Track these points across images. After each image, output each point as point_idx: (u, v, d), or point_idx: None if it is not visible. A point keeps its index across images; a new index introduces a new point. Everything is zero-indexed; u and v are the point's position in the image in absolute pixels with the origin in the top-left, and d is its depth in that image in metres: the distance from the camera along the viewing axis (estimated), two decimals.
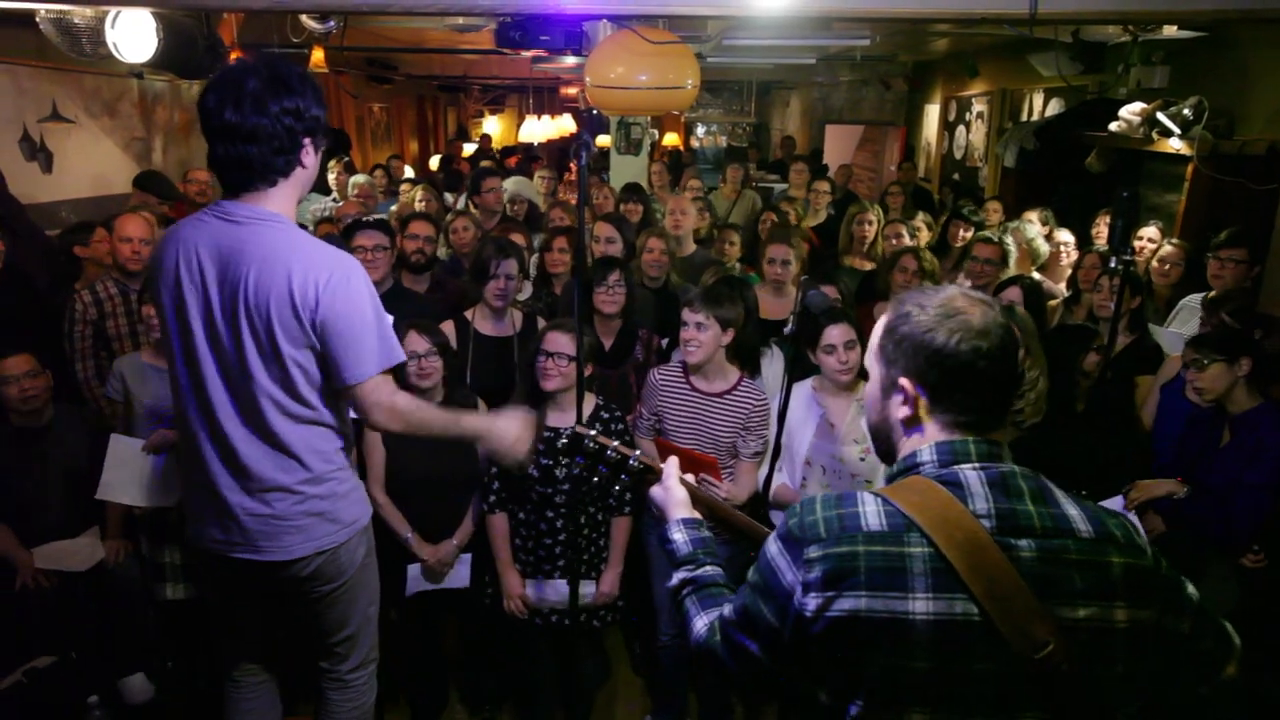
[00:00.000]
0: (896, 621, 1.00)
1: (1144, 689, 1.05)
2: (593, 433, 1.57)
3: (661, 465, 1.53)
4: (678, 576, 1.33)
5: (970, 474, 1.04)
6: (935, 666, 1.00)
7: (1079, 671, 0.99)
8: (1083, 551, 1.01)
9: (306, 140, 1.69)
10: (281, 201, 1.71)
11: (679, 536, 1.37)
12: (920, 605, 0.99)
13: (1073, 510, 1.04)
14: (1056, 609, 0.99)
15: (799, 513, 1.08)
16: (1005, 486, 1.04)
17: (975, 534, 1.00)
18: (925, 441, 1.08)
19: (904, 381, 1.08)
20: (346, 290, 1.66)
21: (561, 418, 2.53)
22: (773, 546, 1.10)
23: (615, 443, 1.56)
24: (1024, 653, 0.98)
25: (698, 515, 1.43)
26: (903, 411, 1.09)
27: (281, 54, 5.06)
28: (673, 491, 1.44)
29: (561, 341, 2.45)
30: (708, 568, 1.32)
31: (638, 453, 1.57)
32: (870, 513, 1.04)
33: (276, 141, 1.63)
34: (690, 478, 1.48)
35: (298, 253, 1.66)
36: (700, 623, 1.23)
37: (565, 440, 2.40)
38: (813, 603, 1.03)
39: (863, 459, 2.53)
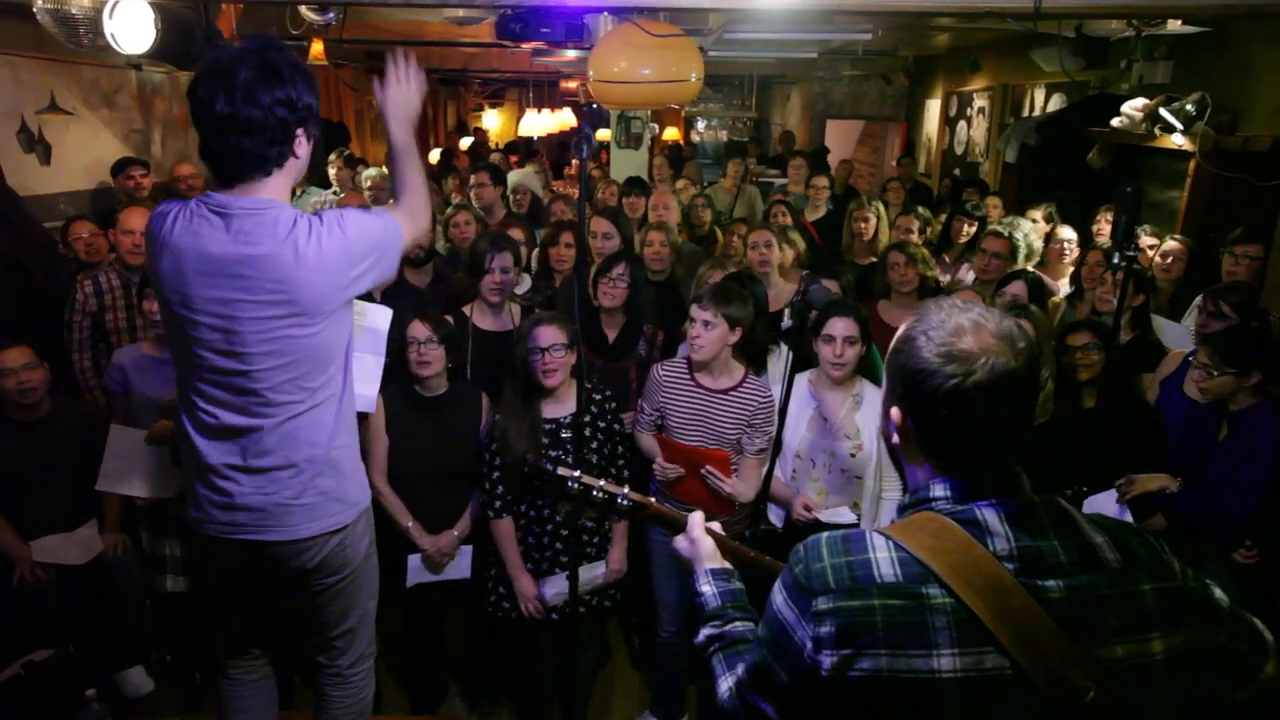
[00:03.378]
0: (922, 681, 0.92)
1: (1184, 706, 1.00)
2: (576, 474, 1.49)
3: (651, 500, 1.49)
4: (704, 633, 1.25)
5: (988, 511, 0.96)
6: None
7: (1123, 715, 0.93)
8: (1114, 585, 0.95)
9: (299, 130, 1.67)
10: (275, 190, 1.69)
11: (707, 589, 1.30)
12: (947, 662, 0.91)
13: (1098, 538, 0.97)
14: (1093, 651, 0.92)
15: (804, 558, 1.00)
16: (1026, 522, 0.96)
17: (998, 579, 0.92)
18: (929, 475, 1.01)
19: (894, 411, 1.03)
20: (341, 219, 1.70)
21: (558, 408, 2.52)
22: (779, 598, 1.02)
23: (601, 481, 1.49)
24: (1063, 703, 0.91)
25: (727, 565, 1.35)
26: (894, 437, 1.04)
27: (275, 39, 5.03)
28: (700, 543, 1.37)
29: (553, 334, 2.44)
30: (736, 624, 1.24)
31: (626, 490, 1.50)
32: (882, 560, 0.96)
33: (269, 133, 1.62)
34: (717, 526, 1.42)
35: (297, 224, 1.65)
36: (724, 685, 1.16)
37: (567, 426, 2.45)
38: (827, 660, 0.94)
39: (854, 455, 2.52)
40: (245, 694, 2.05)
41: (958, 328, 0.96)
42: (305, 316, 1.67)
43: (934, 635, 0.92)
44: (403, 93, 1.90)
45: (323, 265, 1.65)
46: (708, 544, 1.36)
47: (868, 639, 0.93)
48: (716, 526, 1.43)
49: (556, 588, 2.54)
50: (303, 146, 1.70)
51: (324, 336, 1.71)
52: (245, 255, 1.62)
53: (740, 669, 1.11)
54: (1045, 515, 0.97)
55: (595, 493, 1.48)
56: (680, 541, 1.41)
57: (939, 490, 1.00)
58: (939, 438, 0.99)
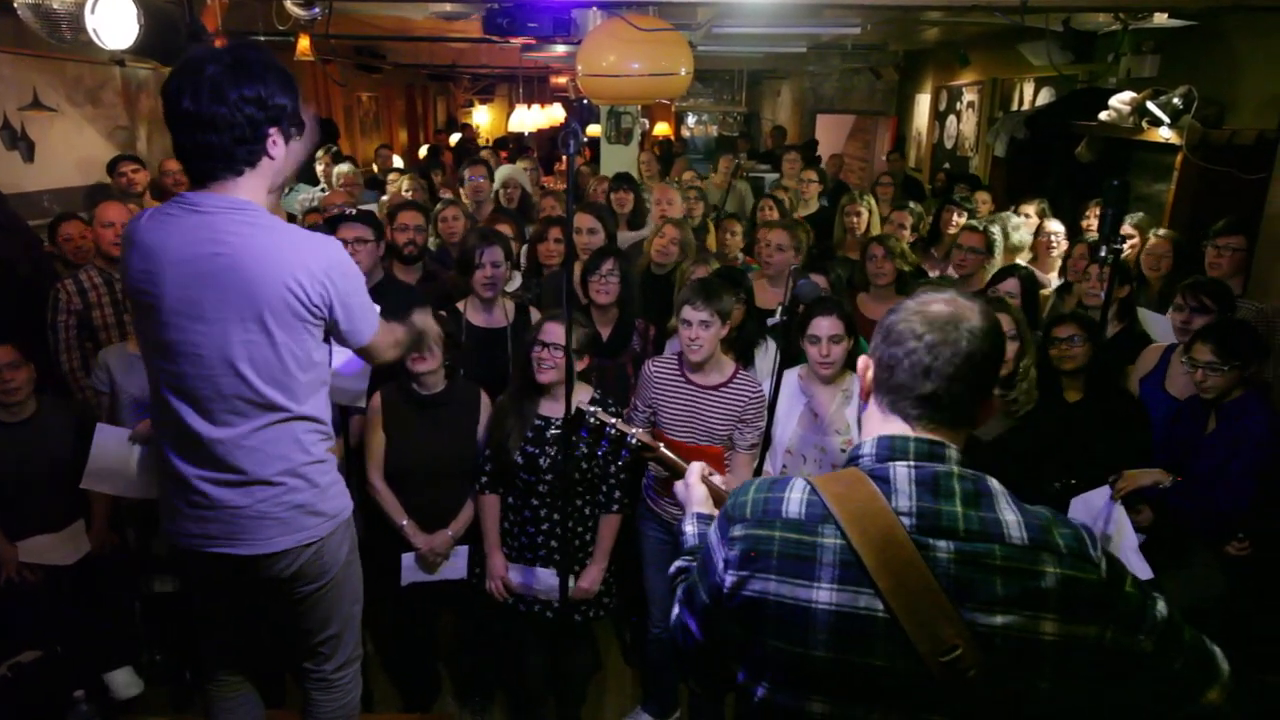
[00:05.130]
0: (800, 608, 1.02)
1: (1099, 711, 1.01)
2: (594, 410, 1.68)
3: (659, 443, 1.64)
4: (676, 565, 1.36)
5: (901, 470, 1.04)
6: (835, 657, 1.01)
7: (993, 681, 0.96)
8: (1010, 558, 0.99)
9: (271, 130, 1.62)
10: (250, 191, 1.65)
11: (690, 529, 1.43)
12: (824, 595, 1.01)
13: (1010, 516, 1.01)
14: (970, 613, 0.97)
15: (736, 494, 1.13)
16: (935, 486, 1.02)
17: (891, 530, 1.00)
18: (871, 433, 1.11)
19: (863, 359, 1.15)
20: (342, 269, 1.70)
21: (553, 407, 2.51)
22: (712, 525, 1.15)
23: (615, 420, 1.66)
24: (929, 654, 0.96)
25: (715, 512, 1.46)
26: (859, 385, 1.16)
27: (264, 41, 4.99)
28: (694, 489, 1.52)
29: (559, 332, 2.43)
30: None
31: (636, 430, 1.65)
32: (794, 500, 1.07)
33: (236, 130, 1.57)
34: (718, 479, 1.55)
35: (283, 243, 1.63)
36: (675, 610, 1.26)
37: (557, 428, 2.45)
38: (729, 579, 1.07)
39: (844, 449, 2.53)
40: (230, 699, 2.04)
41: (934, 299, 1.09)
42: (275, 327, 1.64)
43: (819, 570, 1.02)
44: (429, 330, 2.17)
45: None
46: (700, 490, 1.52)
47: (762, 564, 1.05)
48: (718, 479, 1.55)
49: (528, 578, 2.54)
50: (277, 147, 1.65)
51: (298, 350, 1.68)
52: (217, 254, 1.59)
53: (680, 591, 1.24)
54: (959, 486, 1.03)
55: (609, 429, 1.65)
56: (678, 486, 1.57)
57: (867, 449, 1.10)
58: (889, 379, 1.09)
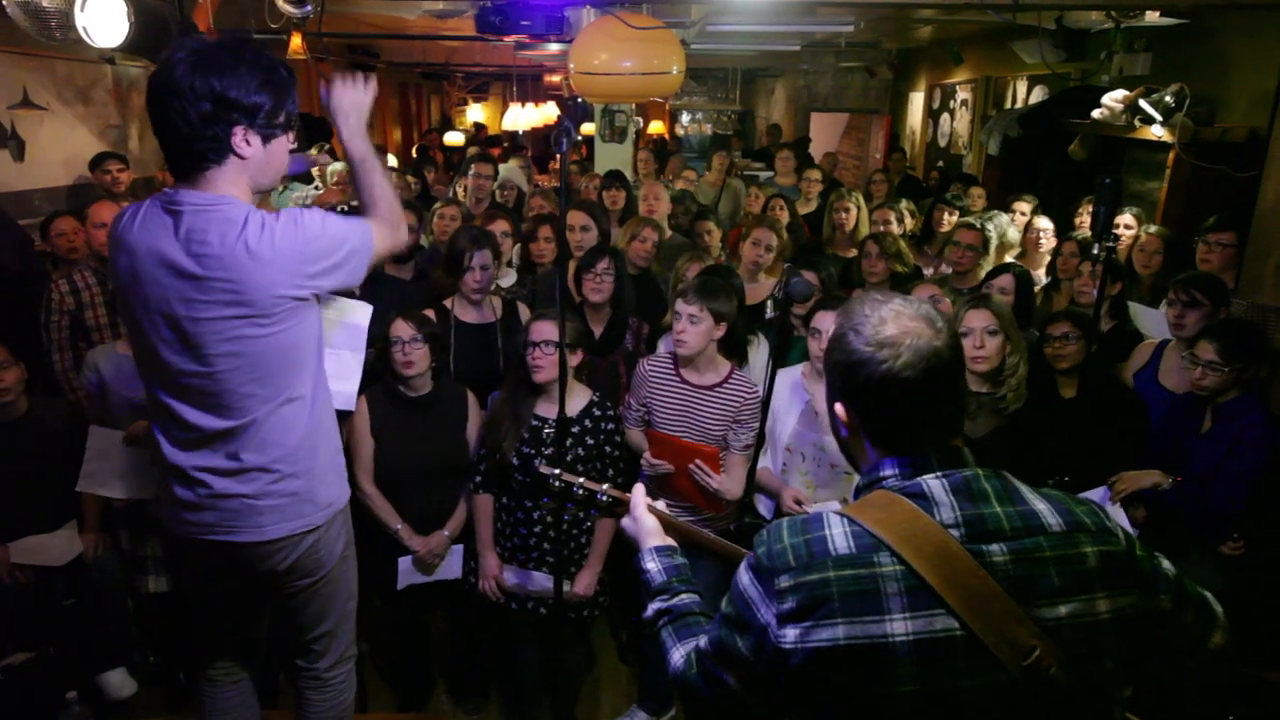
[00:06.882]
0: (876, 647, 0.96)
1: (1134, 667, 1.03)
2: (556, 471, 1.54)
3: (629, 496, 1.49)
4: (653, 608, 1.29)
5: (934, 483, 1.02)
6: (922, 688, 0.96)
7: (1069, 673, 0.96)
8: (1056, 547, 1.00)
9: (236, 129, 1.56)
10: (225, 186, 1.61)
11: (652, 566, 1.34)
12: (899, 626, 0.96)
13: (1040, 505, 1.03)
14: (1037, 611, 0.97)
15: (766, 540, 1.05)
16: (970, 491, 1.01)
17: (945, 545, 0.97)
18: (885, 455, 1.07)
19: (838, 407, 1.09)
20: (299, 216, 1.62)
21: (549, 408, 2.50)
22: (744, 577, 1.06)
23: (581, 479, 1.53)
24: (1011, 661, 0.95)
25: (671, 542, 1.39)
26: (843, 432, 1.11)
27: (252, 37, 4.96)
28: (642, 521, 1.41)
29: (548, 330, 2.42)
30: (683, 596, 1.29)
31: (605, 487, 1.53)
32: (837, 535, 1.01)
33: (188, 125, 1.52)
34: (662, 504, 1.46)
35: (249, 221, 1.58)
36: (677, 655, 1.20)
37: (552, 429, 2.45)
38: (791, 634, 0.99)
39: None
40: (225, 697, 2.03)
41: (880, 318, 1.03)
42: (260, 317, 1.61)
43: (886, 601, 0.97)
44: (351, 94, 1.77)
45: (275, 263, 1.58)
46: (650, 522, 1.41)
47: (825, 610, 0.97)
48: (661, 505, 1.45)
49: (521, 579, 2.54)
50: (250, 147, 1.59)
51: (285, 337, 1.65)
52: (195, 254, 1.57)
53: (702, 641, 1.15)
54: (988, 485, 1.03)
55: (576, 489, 1.53)
56: (625, 521, 1.44)
57: (889, 469, 1.05)
58: (882, 423, 1.06)
